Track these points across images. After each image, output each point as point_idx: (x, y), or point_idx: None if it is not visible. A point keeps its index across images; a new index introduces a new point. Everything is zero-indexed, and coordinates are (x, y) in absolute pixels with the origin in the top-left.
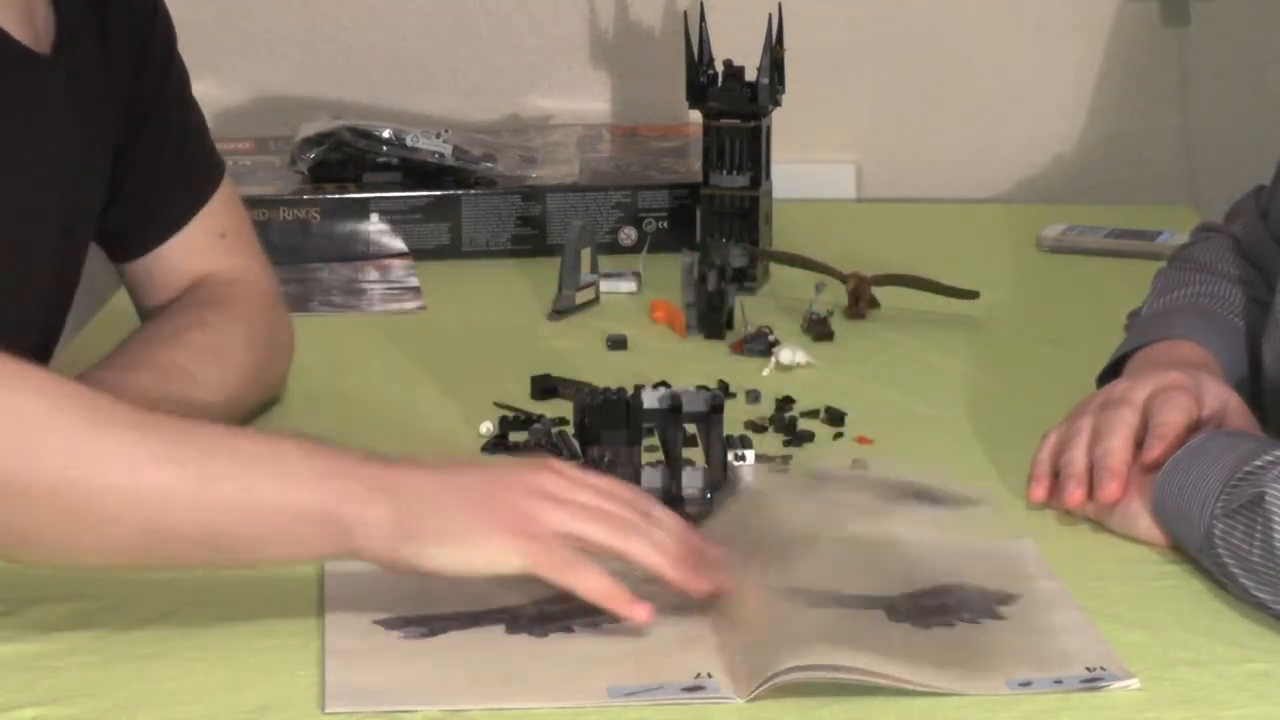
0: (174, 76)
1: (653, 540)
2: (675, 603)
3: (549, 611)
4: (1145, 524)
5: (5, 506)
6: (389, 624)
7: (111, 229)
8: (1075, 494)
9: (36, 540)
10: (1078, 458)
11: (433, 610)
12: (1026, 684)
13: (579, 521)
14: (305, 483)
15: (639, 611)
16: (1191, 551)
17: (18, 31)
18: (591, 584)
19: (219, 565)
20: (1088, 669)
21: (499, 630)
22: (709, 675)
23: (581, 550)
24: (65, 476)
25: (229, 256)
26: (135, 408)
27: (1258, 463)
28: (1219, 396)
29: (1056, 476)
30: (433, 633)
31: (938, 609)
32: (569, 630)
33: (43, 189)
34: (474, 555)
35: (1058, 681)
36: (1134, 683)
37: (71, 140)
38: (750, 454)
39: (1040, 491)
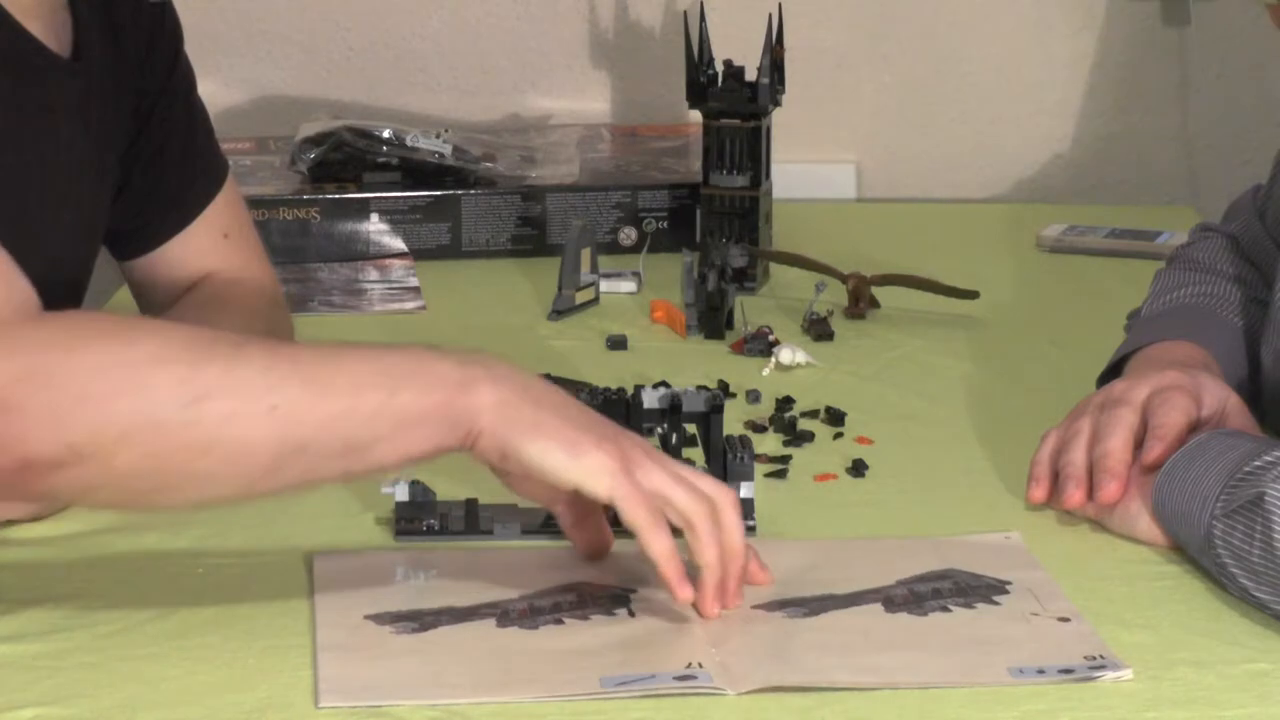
0: (180, 76)
1: (720, 539)
2: (664, 597)
3: (539, 605)
4: (1145, 524)
5: (135, 453)
6: (380, 619)
7: (115, 227)
8: (1074, 495)
9: (170, 483)
10: (1077, 459)
11: (423, 605)
12: (1041, 672)
13: (673, 485)
14: (437, 375)
15: (686, 590)
16: (1191, 552)
17: (40, 34)
18: (661, 544)
19: (349, 474)
20: (1087, 657)
21: (490, 624)
22: (699, 665)
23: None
24: (193, 411)
25: (232, 256)
26: (242, 337)
27: (1257, 463)
28: (1218, 396)
29: (1056, 477)
30: (424, 628)
31: (932, 594)
32: (559, 622)
33: (58, 190)
34: (571, 463)
35: (1067, 671)
36: (1128, 673)
37: (85, 141)
38: (749, 454)
39: (1039, 493)
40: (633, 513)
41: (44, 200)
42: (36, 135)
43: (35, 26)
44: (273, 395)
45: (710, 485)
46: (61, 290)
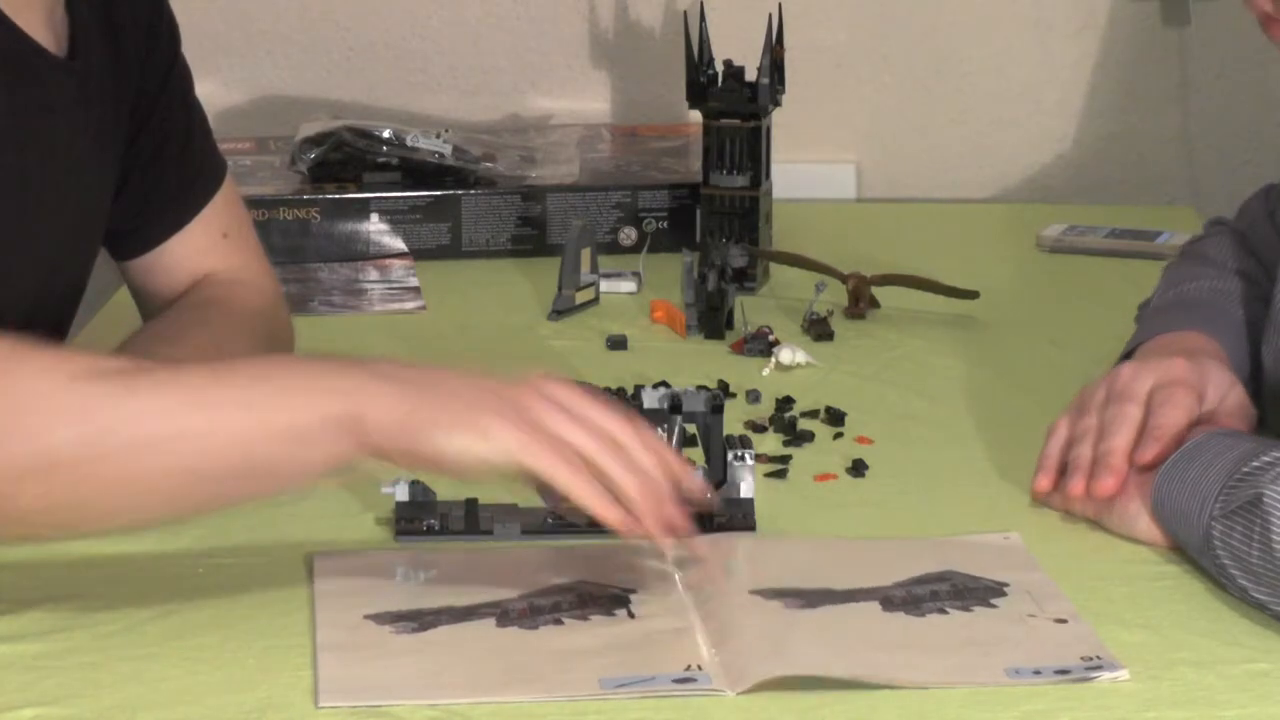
0: (178, 76)
1: (634, 466)
2: (663, 598)
3: (539, 605)
4: (1144, 524)
5: (46, 485)
6: (379, 619)
7: (114, 227)
8: (1077, 485)
9: (86, 511)
10: (1085, 453)
11: (423, 605)
12: (1037, 673)
13: (575, 430)
14: (324, 388)
15: (615, 514)
16: (1191, 552)
17: (37, 34)
18: (579, 483)
19: (258, 495)
20: (1083, 658)
21: (489, 624)
22: (699, 667)
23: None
24: (98, 446)
25: (231, 256)
26: (134, 361)
27: (1256, 463)
28: (1221, 387)
29: (1063, 470)
30: (423, 627)
31: (930, 596)
32: (559, 623)
33: (57, 190)
34: (479, 443)
35: (1063, 671)
36: (1124, 674)
37: (83, 140)
38: (749, 454)
39: (1045, 482)
40: (547, 466)
41: (43, 200)
42: (35, 135)
43: (30, 24)
44: (167, 424)
45: (609, 420)
46: (61, 291)
